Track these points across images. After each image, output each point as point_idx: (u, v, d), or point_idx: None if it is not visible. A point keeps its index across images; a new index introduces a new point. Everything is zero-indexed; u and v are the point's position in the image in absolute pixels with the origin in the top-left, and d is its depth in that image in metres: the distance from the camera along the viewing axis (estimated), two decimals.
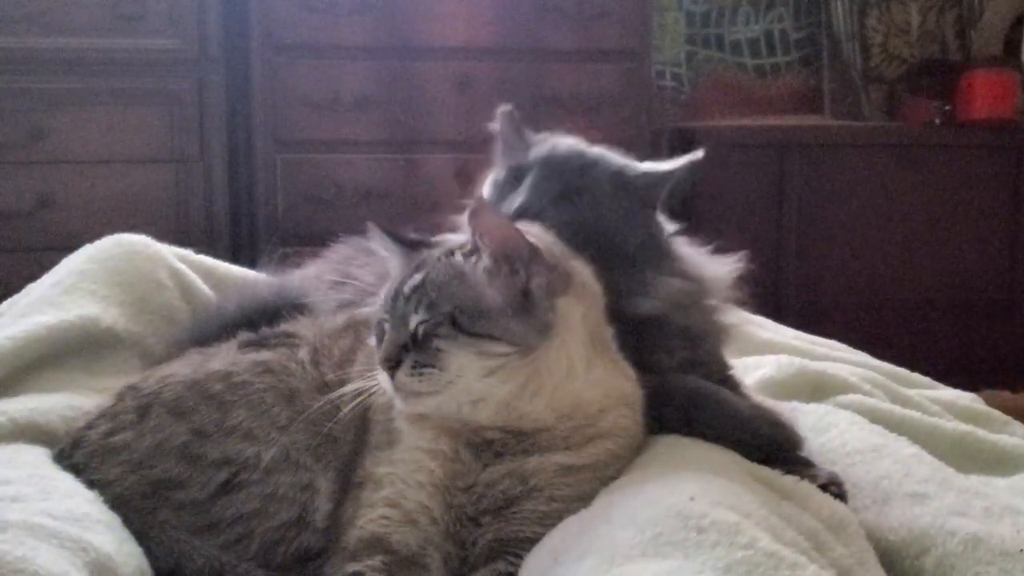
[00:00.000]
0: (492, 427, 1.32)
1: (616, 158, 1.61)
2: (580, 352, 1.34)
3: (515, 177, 1.57)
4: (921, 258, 4.00)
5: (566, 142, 1.63)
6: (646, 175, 1.58)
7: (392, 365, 1.30)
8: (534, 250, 1.32)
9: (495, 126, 1.67)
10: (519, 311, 1.29)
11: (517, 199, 1.53)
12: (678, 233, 1.65)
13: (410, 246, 1.41)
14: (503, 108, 1.67)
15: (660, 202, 1.59)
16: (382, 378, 1.32)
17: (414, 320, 1.30)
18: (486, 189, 1.63)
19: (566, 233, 1.46)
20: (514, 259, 1.31)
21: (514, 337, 1.29)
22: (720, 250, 1.67)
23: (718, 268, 1.64)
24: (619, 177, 1.57)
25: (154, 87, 3.35)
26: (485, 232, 1.31)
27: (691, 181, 1.58)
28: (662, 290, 1.52)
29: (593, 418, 1.35)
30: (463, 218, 1.64)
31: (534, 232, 1.38)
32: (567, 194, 1.52)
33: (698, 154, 1.58)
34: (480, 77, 3.54)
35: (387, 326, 1.33)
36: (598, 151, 1.61)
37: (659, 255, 1.56)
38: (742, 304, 1.68)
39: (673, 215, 1.65)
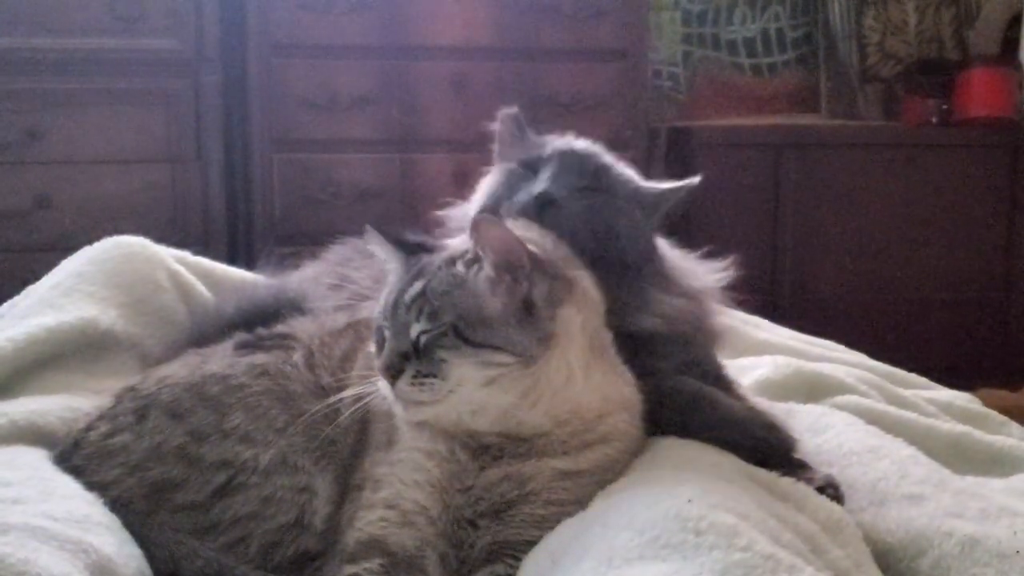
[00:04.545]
0: (490, 433, 1.33)
1: (626, 168, 1.62)
2: (580, 359, 1.34)
3: (529, 168, 1.56)
4: (918, 257, 3.99)
5: (582, 141, 1.63)
6: (655, 191, 1.59)
7: (393, 374, 1.29)
8: (536, 260, 1.32)
9: (495, 126, 1.67)
10: (521, 321, 1.29)
11: (537, 186, 1.51)
12: (668, 242, 1.66)
13: (408, 249, 1.40)
14: (506, 110, 1.67)
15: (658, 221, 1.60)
16: (382, 386, 1.32)
17: (415, 329, 1.30)
18: (487, 184, 1.62)
19: (582, 225, 1.47)
20: (516, 269, 1.30)
21: (516, 347, 1.28)
22: (714, 252, 1.68)
23: (708, 278, 1.65)
24: (631, 186, 1.58)
25: (151, 87, 3.35)
26: (487, 242, 1.30)
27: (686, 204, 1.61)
28: (663, 308, 1.53)
29: (592, 423, 1.35)
30: (454, 212, 1.65)
31: (534, 238, 1.37)
32: (587, 189, 1.53)
33: (694, 180, 1.59)
34: (477, 77, 3.54)
35: (387, 333, 1.33)
36: (611, 158, 1.62)
37: (659, 272, 1.57)
38: (733, 307, 1.68)
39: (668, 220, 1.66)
